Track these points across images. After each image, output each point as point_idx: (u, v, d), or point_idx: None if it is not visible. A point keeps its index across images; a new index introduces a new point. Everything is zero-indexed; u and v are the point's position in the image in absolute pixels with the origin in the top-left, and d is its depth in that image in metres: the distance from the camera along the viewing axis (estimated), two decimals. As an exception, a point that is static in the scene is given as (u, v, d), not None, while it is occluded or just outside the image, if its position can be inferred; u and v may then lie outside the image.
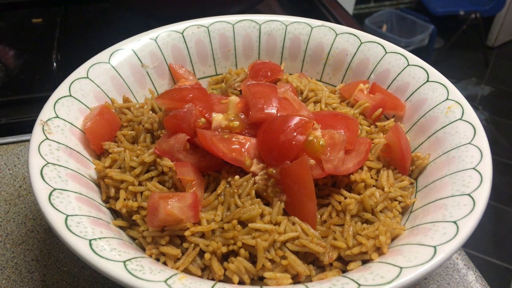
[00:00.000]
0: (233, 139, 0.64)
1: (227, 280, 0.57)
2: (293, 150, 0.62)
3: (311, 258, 0.59)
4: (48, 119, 0.67)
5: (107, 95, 0.78)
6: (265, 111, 0.66)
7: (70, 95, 0.72)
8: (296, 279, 0.56)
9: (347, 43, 0.88)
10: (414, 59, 0.81)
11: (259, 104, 0.66)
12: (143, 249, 0.60)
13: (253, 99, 0.67)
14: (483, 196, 0.56)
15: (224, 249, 0.57)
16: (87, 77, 0.76)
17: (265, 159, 0.63)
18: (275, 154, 0.62)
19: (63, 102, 0.71)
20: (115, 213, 0.66)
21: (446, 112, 0.71)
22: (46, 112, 0.68)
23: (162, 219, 0.58)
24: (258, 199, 0.61)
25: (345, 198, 0.64)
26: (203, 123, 0.66)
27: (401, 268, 0.50)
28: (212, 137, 0.63)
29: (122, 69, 0.81)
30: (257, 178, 0.63)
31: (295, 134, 0.62)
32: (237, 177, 0.63)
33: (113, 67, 0.80)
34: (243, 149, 0.64)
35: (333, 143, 0.64)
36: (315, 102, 0.80)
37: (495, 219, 2.49)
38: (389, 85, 0.82)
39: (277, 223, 0.59)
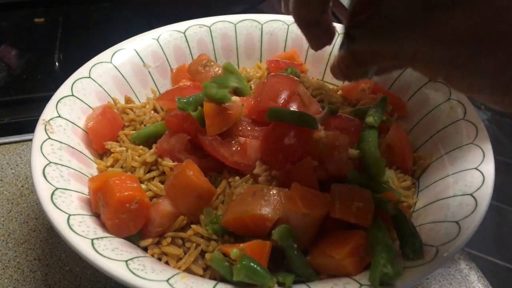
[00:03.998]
0: (233, 142, 0.64)
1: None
2: (297, 153, 0.62)
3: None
4: (51, 119, 0.67)
5: (109, 95, 0.78)
6: (272, 101, 0.65)
7: (72, 95, 0.73)
8: None
9: (349, 42, 0.87)
10: (416, 58, 0.81)
11: (270, 93, 0.66)
12: (145, 249, 0.60)
13: (266, 87, 0.67)
14: (485, 196, 0.56)
15: (225, 249, 0.57)
16: (89, 77, 0.76)
17: (269, 161, 0.63)
18: (280, 157, 0.62)
19: (65, 101, 0.71)
20: (117, 213, 0.66)
21: (448, 112, 0.71)
22: (49, 111, 0.68)
23: (159, 223, 0.59)
24: (260, 199, 0.61)
25: (347, 198, 0.63)
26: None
27: (403, 267, 0.50)
28: (213, 141, 0.63)
29: (124, 68, 0.81)
30: (260, 179, 0.63)
31: (298, 137, 0.62)
32: (237, 177, 0.64)
33: (115, 66, 0.80)
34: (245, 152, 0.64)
35: (337, 144, 0.64)
36: (319, 101, 0.80)
37: (497, 219, 2.48)
38: (391, 84, 0.82)
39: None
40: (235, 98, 0.70)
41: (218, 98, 0.62)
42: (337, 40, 0.87)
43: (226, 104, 0.63)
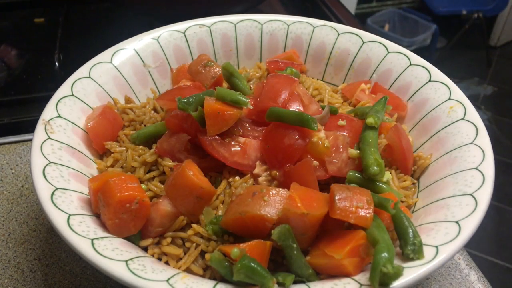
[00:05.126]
0: (233, 142, 0.64)
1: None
2: (297, 152, 0.62)
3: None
4: (51, 119, 0.67)
5: (109, 95, 0.78)
6: (271, 101, 0.65)
7: (72, 95, 0.73)
8: None
9: (349, 42, 0.88)
10: (416, 58, 0.81)
11: (269, 94, 0.66)
12: (145, 249, 0.60)
13: (266, 88, 0.67)
14: (485, 196, 0.56)
15: (225, 249, 0.57)
16: (89, 77, 0.76)
17: (269, 161, 0.63)
18: (280, 157, 0.62)
19: (65, 101, 0.71)
20: (117, 213, 0.66)
21: (448, 112, 0.71)
22: (49, 111, 0.68)
23: (159, 223, 0.59)
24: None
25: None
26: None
27: (403, 268, 0.50)
28: (213, 141, 0.63)
29: (124, 68, 0.81)
30: (260, 179, 0.63)
31: (297, 137, 0.62)
32: (237, 177, 0.64)
33: (115, 66, 0.80)
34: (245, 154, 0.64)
35: (337, 144, 0.64)
36: (319, 101, 0.80)
37: (497, 219, 2.48)
38: (391, 84, 0.82)
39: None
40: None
41: (232, 100, 0.63)
42: (337, 40, 0.88)
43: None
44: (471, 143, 0.65)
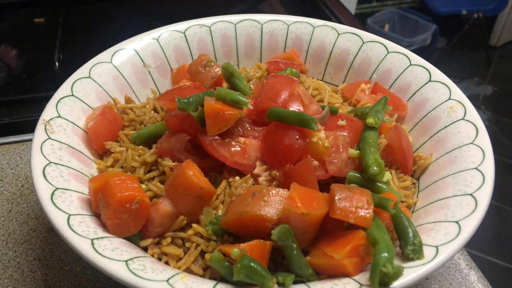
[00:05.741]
0: (233, 142, 0.64)
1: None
2: (297, 153, 0.62)
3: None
4: (51, 119, 0.67)
5: (109, 95, 0.78)
6: (271, 102, 0.65)
7: (72, 95, 0.73)
8: None
9: (349, 42, 0.88)
10: (416, 58, 0.81)
11: (269, 94, 0.66)
12: (145, 249, 0.60)
13: (266, 88, 0.67)
14: (485, 196, 0.56)
15: (225, 249, 0.57)
16: (89, 77, 0.76)
17: (269, 161, 0.63)
18: (280, 157, 0.62)
19: (65, 101, 0.71)
20: (117, 213, 0.66)
21: (448, 112, 0.71)
22: (49, 111, 0.68)
23: (159, 223, 0.59)
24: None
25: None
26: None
27: (403, 268, 0.50)
28: (213, 141, 0.63)
29: (124, 68, 0.81)
30: (260, 179, 0.63)
31: (297, 137, 0.62)
32: (237, 177, 0.64)
33: (115, 66, 0.80)
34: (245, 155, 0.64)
35: (337, 144, 0.64)
36: (319, 101, 0.80)
37: (497, 219, 2.48)
38: (391, 85, 0.82)
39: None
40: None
41: (232, 100, 0.63)
42: (337, 40, 0.88)
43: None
44: (471, 143, 0.65)
